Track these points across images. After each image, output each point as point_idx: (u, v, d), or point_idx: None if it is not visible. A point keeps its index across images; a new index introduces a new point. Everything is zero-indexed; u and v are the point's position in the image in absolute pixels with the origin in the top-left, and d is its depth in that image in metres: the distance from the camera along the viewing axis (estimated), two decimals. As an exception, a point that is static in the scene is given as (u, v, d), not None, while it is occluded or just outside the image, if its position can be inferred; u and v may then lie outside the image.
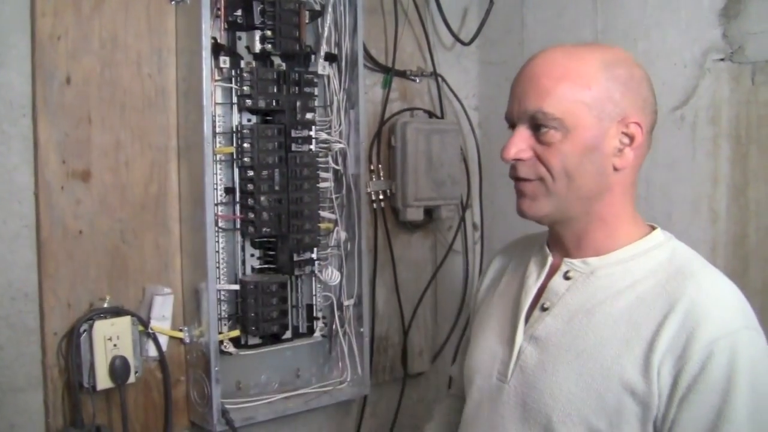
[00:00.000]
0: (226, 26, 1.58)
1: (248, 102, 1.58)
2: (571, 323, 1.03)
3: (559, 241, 1.11)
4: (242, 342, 1.63)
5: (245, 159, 1.58)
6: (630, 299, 1.00)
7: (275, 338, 1.69)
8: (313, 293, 1.77)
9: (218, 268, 1.58)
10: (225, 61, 1.57)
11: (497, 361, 1.11)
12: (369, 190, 1.91)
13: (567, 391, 1.00)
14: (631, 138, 1.03)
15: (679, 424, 0.93)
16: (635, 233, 1.07)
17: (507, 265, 1.25)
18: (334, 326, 1.78)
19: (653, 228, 1.09)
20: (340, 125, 1.77)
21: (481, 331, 1.18)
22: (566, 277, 1.08)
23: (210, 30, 1.50)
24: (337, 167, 1.77)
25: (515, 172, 1.06)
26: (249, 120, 1.63)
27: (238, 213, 1.61)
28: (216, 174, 1.57)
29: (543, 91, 1.01)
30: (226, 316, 1.60)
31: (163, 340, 1.55)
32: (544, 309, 1.08)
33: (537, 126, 1.02)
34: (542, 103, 1.01)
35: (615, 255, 1.05)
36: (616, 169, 1.04)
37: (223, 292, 1.59)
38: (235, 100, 1.59)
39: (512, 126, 1.07)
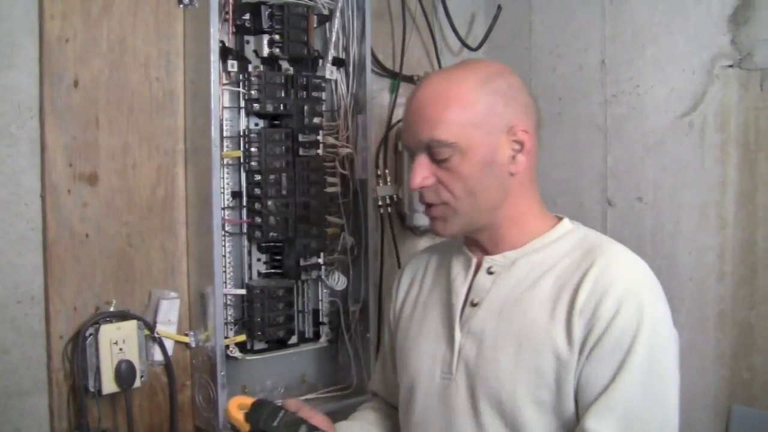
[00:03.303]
0: (234, 30, 1.58)
1: (256, 106, 1.58)
2: (502, 313, 1.09)
3: (477, 242, 1.17)
4: (248, 347, 1.62)
5: (252, 163, 1.58)
6: (551, 279, 1.08)
7: (281, 343, 1.68)
8: (320, 298, 1.77)
9: (225, 272, 1.57)
10: (233, 65, 1.56)
11: (439, 361, 1.15)
12: (376, 195, 1.90)
13: (509, 372, 1.06)
14: (521, 144, 1.10)
15: (584, 374, 1.00)
16: (544, 226, 1.14)
17: (418, 277, 1.30)
18: (340, 331, 1.78)
19: (561, 219, 1.16)
20: (347, 130, 1.76)
21: (416, 339, 1.22)
22: (490, 272, 1.14)
23: (218, 34, 1.49)
24: (344, 172, 1.76)
25: (422, 198, 1.13)
26: (256, 124, 1.63)
27: (244, 217, 1.61)
28: (223, 178, 1.57)
29: (432, 121, 1.07)
30: (233, 320, 1.60)
31: (169, 345, 1.55)
32: (474, 305, 1.13)
33: (434, 153, 1.08)
34: (434, 131, 1.07)
35: (531, 245, 1.13)
36: (512, 174, 1.10)
37: (229, 297, 1.59)
38: (242, 104, 1.59)
39: (412, 154, 1.12)
